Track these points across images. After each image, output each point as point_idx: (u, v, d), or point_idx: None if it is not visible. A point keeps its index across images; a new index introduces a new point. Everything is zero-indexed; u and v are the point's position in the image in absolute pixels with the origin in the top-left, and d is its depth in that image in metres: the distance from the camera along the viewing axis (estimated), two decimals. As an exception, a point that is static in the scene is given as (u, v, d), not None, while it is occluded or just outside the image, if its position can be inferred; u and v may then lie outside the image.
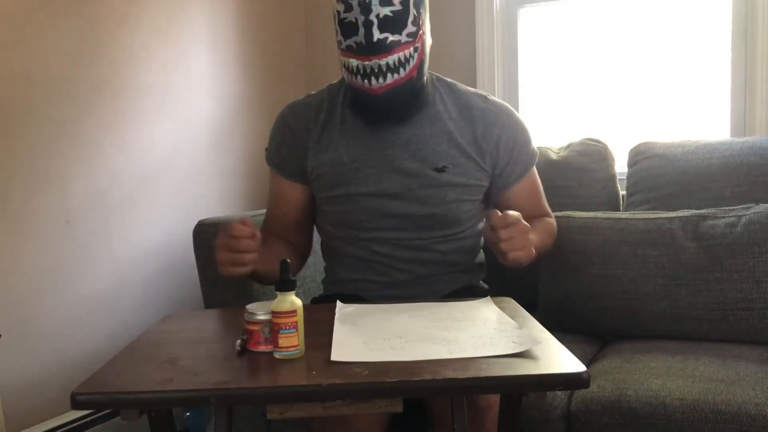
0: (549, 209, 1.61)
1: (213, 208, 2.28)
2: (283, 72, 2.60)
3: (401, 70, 1.32)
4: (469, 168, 1.43)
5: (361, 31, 1.29)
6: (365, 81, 1.32)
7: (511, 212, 1.23)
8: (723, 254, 1.65)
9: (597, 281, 1.76)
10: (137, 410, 0.88)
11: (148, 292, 2.06)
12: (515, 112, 1.51)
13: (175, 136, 2.15)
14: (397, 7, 1.31)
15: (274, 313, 0.92)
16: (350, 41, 1.32)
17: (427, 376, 0.83)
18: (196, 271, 1.76)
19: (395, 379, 0.83)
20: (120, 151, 1.96)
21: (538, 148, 2.10)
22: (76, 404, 0.82)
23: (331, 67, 2.31)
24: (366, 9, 1.29)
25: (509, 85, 2.50)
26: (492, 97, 1.50)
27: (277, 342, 0.92)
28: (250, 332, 0.96)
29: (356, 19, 1.30)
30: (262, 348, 0.95)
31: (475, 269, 1.55)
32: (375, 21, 1.29)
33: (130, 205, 2.00)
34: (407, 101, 1.38)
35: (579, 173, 2.00)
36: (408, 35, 1.32)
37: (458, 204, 1.43)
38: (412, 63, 1.34)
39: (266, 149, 1.54)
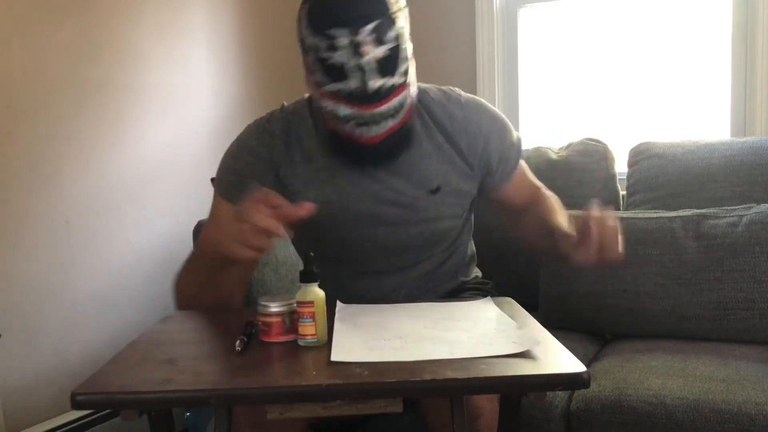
0: (540, 183, 1.44)
1: (213, 208, 2.27)
2: (283, 72, 2.59)
3: (397, 115, 1.17)
4: (459, 181, 1.33)
5: (354, 77, 1.10)
6: (361, 131, 1.15)
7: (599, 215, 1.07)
8: (724, 254, 1.65)
9: (598, 280, 1.76)
10: (137, 410, 0.88)
11: (148, 292, 2.05)
12: (491, 108, 1.37)
13: (175, 136, 2.15)
14: (391, 43, 1.12)
15: (298, 303, 0.97)
16: (338, 86, 1.12)
17: (427, 376, 0.83)
18: (196, 271, 1.76)
19: (395, 379, 0.83)
20: (120, 152, 1.96)
21: (538, 148, 2.12)
22: (76, 404, 0.82)
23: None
24: (356, 52, 1.09)
25: (509, 85, 2.50)
26: (464, 98, 1.34)
27: (297, 330, 0.97)
28: (268, 324, 0.99)
29: (344, 63, 1.10)
30: (282, 338, 0.99)
31: (466, 265, 1.50)
32: (371, 66, 1.10)
33: (130, 205, 2.00)
34: (401, 142, 1.24)
35: (579, 173, 2.00)
36: (401, 74, 1.15)
37: (454, 219, 1.35)
38: (406, 106, 1.18)
39: (219, 177, 1.35)
